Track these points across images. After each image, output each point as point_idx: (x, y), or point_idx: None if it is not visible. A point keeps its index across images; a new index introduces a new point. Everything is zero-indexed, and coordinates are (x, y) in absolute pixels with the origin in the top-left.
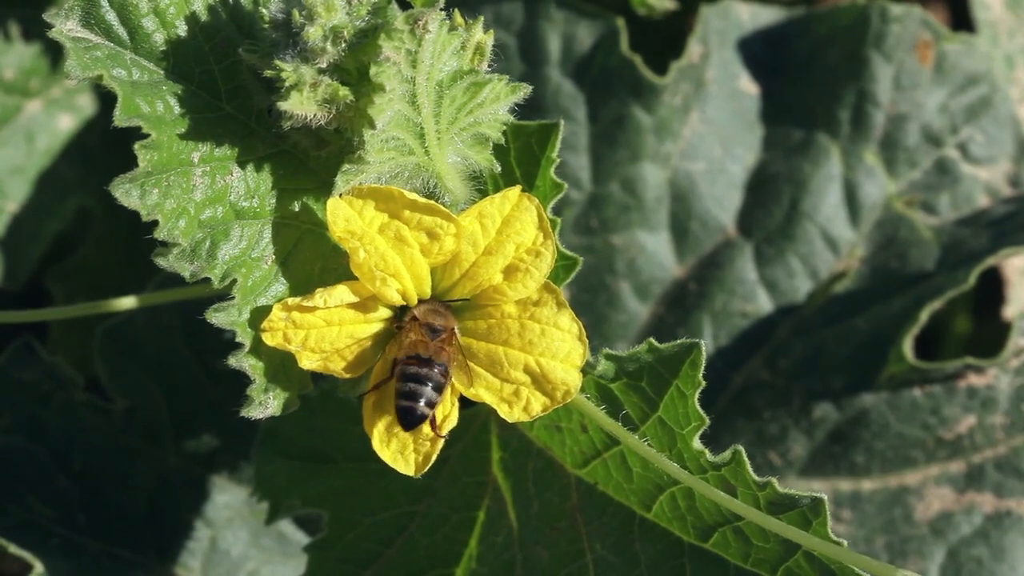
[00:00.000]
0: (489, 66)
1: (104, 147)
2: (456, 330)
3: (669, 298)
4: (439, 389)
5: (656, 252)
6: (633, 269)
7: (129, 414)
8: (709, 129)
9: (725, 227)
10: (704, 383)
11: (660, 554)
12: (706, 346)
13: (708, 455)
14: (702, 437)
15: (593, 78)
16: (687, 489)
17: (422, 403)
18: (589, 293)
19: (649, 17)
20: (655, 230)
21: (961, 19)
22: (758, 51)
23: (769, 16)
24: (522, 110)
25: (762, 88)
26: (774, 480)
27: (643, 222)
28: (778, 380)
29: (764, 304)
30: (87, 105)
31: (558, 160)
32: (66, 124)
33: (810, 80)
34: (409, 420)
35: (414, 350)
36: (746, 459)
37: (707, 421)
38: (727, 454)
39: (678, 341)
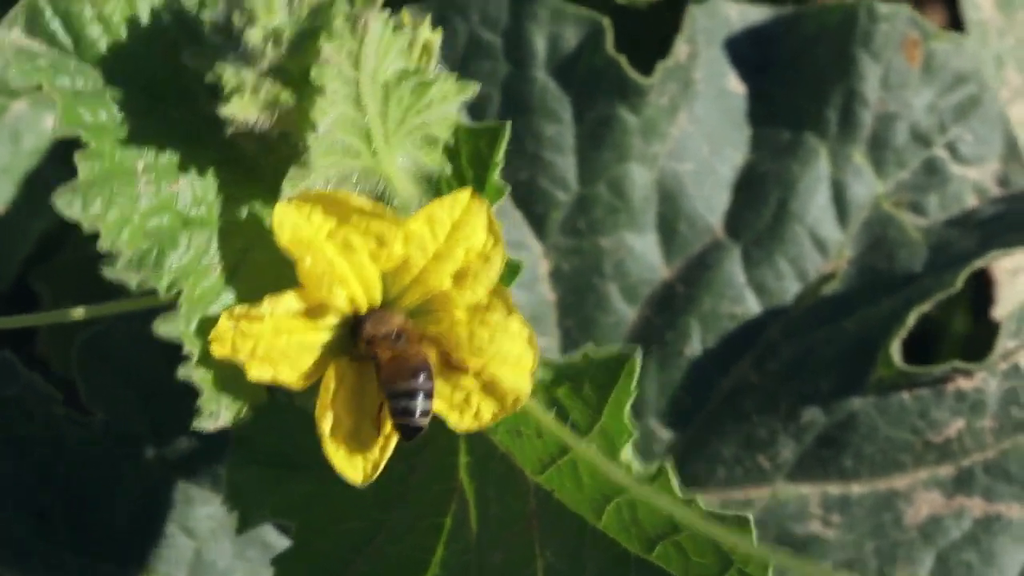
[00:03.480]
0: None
1: None
2: (408, 321)
3: (657, 300)
4: (430, 394)
5: (644, 254)
6: (621, 271)
7: (108, 426)
8: (697, 129)
9: (713, 228)
10: (636, 392)
11: (607, 564)
12: (694, 349)
13: (636, 466)
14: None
15: (579, 78)
16: (631, 500)
17: (418, 415)
18: (577, 295)
19: (632, 7)
20: (643, 231)
21: (959, 19)
22: (746, 50)
23: (757, 15)
24: (508, 111)
25: (750, 88)
26: (698, 496)
27: (630, 223)
28: (767, 383)
29: (752, 306)
30: None
31: (502, 164)
32: (52, 123)
33: (798, 79)
34: (410, 434)
35: (394, 366)
36: (671, 474)
37: (635, 434)
38: (653, 468)
39: (614, 349)
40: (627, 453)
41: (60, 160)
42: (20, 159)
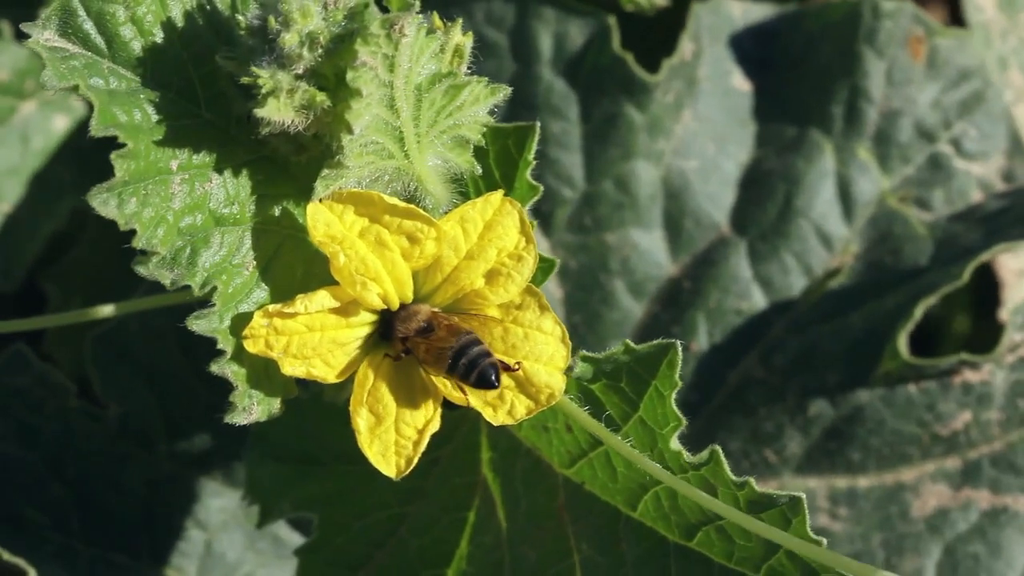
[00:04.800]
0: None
1: (99, 147)
2: (435, 310)
3: (663, 296)
4: (480, 341)
5: (650, 250)
6: (627, 267)
7: (122, 419)
8: (702, 126)
9: (719, 224)
10: (680, 383)
11: (646, 553)
12: (701, 344)
13: (686, 455)
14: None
15: (585, 76)
16: (670, 489)
17: (484, 363)
18: (583, 291)
19: (640, 14)
20: (649, 228)
21: (960, 18)
22: (750, 48)
23: (761, 12)
24: (515, 109)
25: (755, 85)
26: (751, 480)
27: (637, 220)
28: (773, 377)
29: (759, 301)
30: (81, 105)
31: (534, 162)
32: (61, 124)
33: (803, 76)
34: (489, 381)
35: (437, 349)
36: (724, 459)
37: (684, 422)
38: (705, 454)
39: (655, 341)
40: (675, 442)
41: (69, 161)
42: (29, 160)
